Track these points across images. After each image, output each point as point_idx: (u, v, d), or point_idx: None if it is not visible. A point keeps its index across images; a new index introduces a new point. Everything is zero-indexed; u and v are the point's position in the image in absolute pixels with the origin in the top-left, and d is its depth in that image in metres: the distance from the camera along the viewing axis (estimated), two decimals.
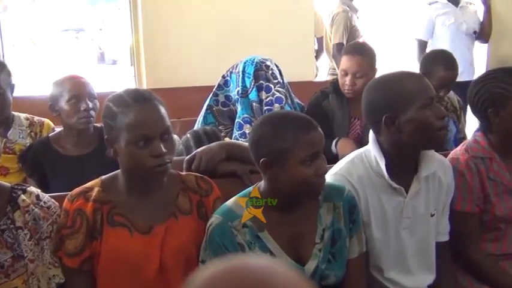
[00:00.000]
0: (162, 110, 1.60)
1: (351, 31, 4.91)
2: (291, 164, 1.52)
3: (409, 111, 1.72)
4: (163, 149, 1.57)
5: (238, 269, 0.59)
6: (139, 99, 1.59)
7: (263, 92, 2.84)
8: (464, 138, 3.14)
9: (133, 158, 1.58)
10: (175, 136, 2.38)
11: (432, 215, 1.91)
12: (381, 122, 1.75)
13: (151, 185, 1.66)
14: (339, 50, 4.76)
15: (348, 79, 2.85)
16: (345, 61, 2.87)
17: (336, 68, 4.61)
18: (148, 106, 1.58)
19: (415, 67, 3.66)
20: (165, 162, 1.58)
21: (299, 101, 3.12)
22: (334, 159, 2.43)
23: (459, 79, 3.11)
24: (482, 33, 4.64)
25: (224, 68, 3.04)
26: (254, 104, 2.85)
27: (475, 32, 4.60)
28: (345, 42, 4.82)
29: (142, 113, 1.56)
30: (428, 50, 4.33)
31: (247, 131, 2.83)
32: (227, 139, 2.53)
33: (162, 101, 1.65)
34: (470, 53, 4.63)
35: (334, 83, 2.97)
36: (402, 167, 1.84)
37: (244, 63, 2.90)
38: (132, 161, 1.59)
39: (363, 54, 2.87)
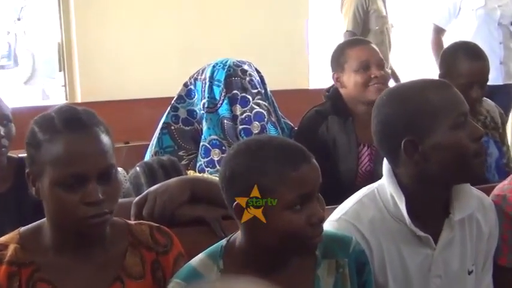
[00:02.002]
0: (105, 140, 1.60)
1: (367, 17, 4.97)
2: (275, 209, 1.52)
3: (436, 132, 1.73)
4: (100, 195, 1.56)
5: None
6: (72, 124, 1.58)
7: (237, 106, 2.86)
8: (509, 164, 3.18)
9: (59, 204, 1.58)
10: (120, 170, 2.38)
11: (470, 272, 1.90)
12: (400, 149, 1.76)
13: (88, 239, 1.65)
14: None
15: (374, 70, 2.91)
16: (359, 52, 2.97)
17: None
18: (85, 135, 1.58)
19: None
20: (101, 212, 1.57)
21: (287, 121, 3.15)
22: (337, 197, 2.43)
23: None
24: None
25: (187, 74, 3.06)
26: (225, 121, 2.86)
27: None
28: (358, 33, 4.88)
29: (74, 144, 1.56)
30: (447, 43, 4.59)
31: (215, 158, 2.85)
32: (191, 172, 2.55)
33: (106, 126, 1.65)
34: (504, 48, 4.71)
35: (333, 98, 3.02)
36: (428, 208, 1.85)
37: (213, 67, 2.91)
38: (57, 208, 1.59)
39: (370, 43, 3.10)
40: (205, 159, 2.88)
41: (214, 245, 1.69)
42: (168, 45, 4.47)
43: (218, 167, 2.86)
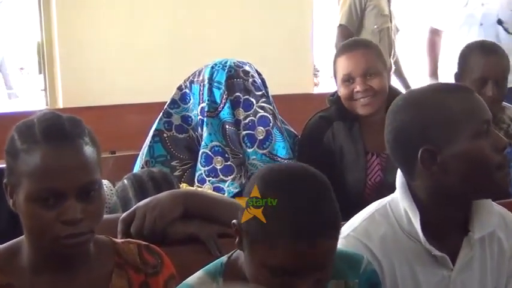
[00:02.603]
0: (88, 153, 1.60)
1: (363, 13, 4.97)
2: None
3: (456, 142, 1.73)
4: (79, 214, 1.56)
5: None
6: (52, 134, 1.57)
7: (240, 110, 2.86)
8: None
9: (34, 221, 1.57)
10: (106, 183, 2.37)
11: None
12: (416, 159, 1.76)
13: (70, 260, 1.64)
14: (342, 35, 4.84)
15: (358, 83, 2.91)
16: (344, 62, 2.96)
17: None
18: (65, 146, 1.57)
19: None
20: (78, 232, 1.57)
21: (289, 128, 3.13)
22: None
23: None
24: None
25: (180, 77, 3.06)
26: (227, 126, 2.87)
27: (500, 22, 4.64)
28: (353, 29, 4.88)
29: (52, 157, 1.55)
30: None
31: (218, 167, 2.84)
32: (184, 185, 2.54)
33: (93, 137, 1.65)
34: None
35: (338, 102, 3.02)
36: (446, 225, 1.84)
37: (212, 68, 2.91)
38: (32, 225, 1.59)
39: (366, 46, 3.02)
40: (207, 168, 2.86)
41: (213, 263, 1.68)
42: (158, 45, 4.48)
43: (221, 176, 2.85)
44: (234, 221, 1.56)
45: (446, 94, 1.78)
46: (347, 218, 1.93)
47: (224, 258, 1.67)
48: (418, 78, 5.72)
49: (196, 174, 2.88)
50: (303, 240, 1.45)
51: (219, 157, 2.85)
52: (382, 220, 1.84)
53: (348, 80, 2.94)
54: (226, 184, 2.83)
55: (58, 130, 1.58)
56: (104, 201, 1.65)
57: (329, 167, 2.84)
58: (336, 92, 3.13)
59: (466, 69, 3.13)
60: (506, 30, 4.63)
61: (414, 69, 6.12)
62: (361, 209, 1.96)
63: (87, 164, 1.58)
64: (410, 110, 1.78)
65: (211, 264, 1.68)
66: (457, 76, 3.25)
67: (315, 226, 1.46)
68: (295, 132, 3.12)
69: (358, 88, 2.91)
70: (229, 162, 2.85)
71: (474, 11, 4.61)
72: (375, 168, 2.96)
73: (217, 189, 2.85)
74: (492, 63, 3.09)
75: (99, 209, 1.62)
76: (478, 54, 3.13)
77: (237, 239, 1.56)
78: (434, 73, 4.85)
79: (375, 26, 4.97)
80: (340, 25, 4.95)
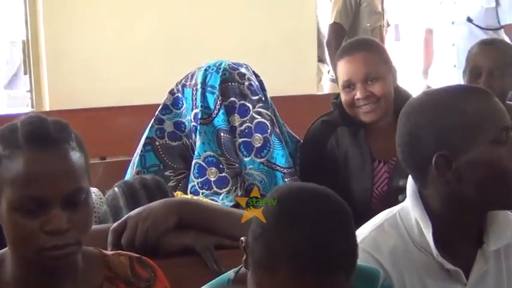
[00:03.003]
0: (74, 158, 1.59)
1: (358, 11, 5.05)
2: None
3: (474, 148, 1.73)
4: (64, 224, 1.55)
5: None
6: (36, 139, 1.56)
7: (236, 116, 2.86)
8: None
9: (16, 231, 1.56)
10: (95, 191, 2.36)
11: None
12: (429, 165, 1.76)
13: (56, 273, 1.62)
14: (335, 33, 4.97)
15: (358, 90, 2.88)
16: (344, 67, 2.94)
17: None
18: (49, 152, 1.56)
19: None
20: (64, 244, 1.55)
21: (290, 131, 3.13)
22: None
23: None
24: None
25: (173, 78, 3.05)
26: (222, 134, 2.86)
27: (470, 20, 4.75)
28: (346, 27, 4.99)
29: (35, 163, 1.54)
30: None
31: (212, 178, 2.83)
32: (179, 194, 2.56)
33: (81, 142, 1.64)
34: (457, 51, 4.77)
35: (342, 105, 2.98)
36: (460, 236, 1.84)
37: (205, 71, 2.90)
38: (14, 235, 1.57)
39: (368, 48, 2.99)
40: (200, 180, 2.85)
41: (218, 278, 1.67)
42: (153, 45, 4.47)
43: (215, 188, 2.83)
44: (242, 238, 1.53)
45: (465, 97, 1.78)
46: None
47: (231, 274, 1.65)
48: (408, 75, 5.94)
49: (189, 186, 2.88)
50: (306, 274, 1.41)
51: (213, 168, 2.84)
52: (392, 231, 1.84)
53: (349, 86, 2.92)
54: (221, 197, 2.81)
55: (42, 134, 1.57)
56: (92, 211, 1.65)
57: (333, 174, 2.87)
58: (339, 93, 3.12)
59: (467, 63, 3.29)
60: (478, 27, 4.77)
61: (405, 66, 6.26)
62: (368, 220, 1.93)
63: (74, 170, 1.57)
64: (425, 112, 1.78)
65: (216, 280, 1.67)
66: (463, 73, 3.39)
67: (321, 262, 1.41)
68: (297, 137, 3.11)
69: (358, 95, 2.89)
70: (223, 174, 2.84)
71: (447, 9, 4.81)
72: (382, 176, 2.95)
73: None
74: (485, 53, 3.21)
75: (87, 219, 1.61)
76: (475, 46, 3.30)
77: (244, 257, 1.52)
78: (426, 71, 5.08)
79: (368, 24, 5.08)
80: (334, 23, 5.04)
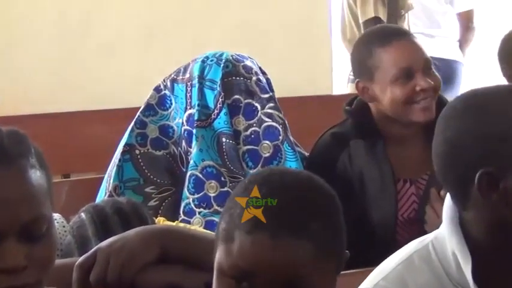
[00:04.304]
0: (34, 179, 1.54)
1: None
2: None
3: None
4: (22, 260, 1.50)
5: None
6: None
7: (241, 117, 2.92)
8: None
9: None
10: (57, 218, 2.36)
11: None
12: (472, 183, 1.73)
13: None
14: None
15: (420, 80, 2.88)
16: (399, 52, 2.93)
17: None
18: (1, 171, 1.51)
19: None
20: (21, 284, 1.50)
21: (298, 147, 3.11)
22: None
23: None
24: None
25: (155, 77, 3.11)
26: (224, 139, 2.91)
27: None
28: (384, 18, 5.21)
29: None
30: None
31: (211, 194, 2.89)
32: (161, 221, 2.51)
33: (41, 157, 1.58)
34: None
35: (357, 114, 3.00)
36: (506, 273, 1.80)
37: (203, 62, 2.96)
38: None
39: (414, 38, 3.04)
40: (196, 196, 2.90)
41: None
42: (127, 36, 4.48)
43: (216, 206, 2.89)
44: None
45: None
46: (374, 263, 1.95)
47: None
48: None
49: (182, 204, 2.91)
50: (260, 232, 1.52)
51: (213, 181, 2.89)
52: (423, 265, 1.84)
53: (406, 75, 2.89)
54: None
55: None
56: (55, 243, 1.59)
57: (346, 199, 2.83)
58: (354, 99, 3.08)
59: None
60: None
61: None
62: (392, 253, 1.95)
63: (33, 194, 1.53)
64: (471, 118, 1.77)
65: None
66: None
67: (280, 218, 1.53)
68: (305, 153, 3.12)
69: (423, 85, 2.86)
70: (226, 188, 2.87)
71: None
72: (409, 200, 2.96)
73: (210, 224, 2.87)
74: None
75: (49, 254, 1.55)
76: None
77: None
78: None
79: (402, 11, 5.42)
80: (375, 17, 5.23)
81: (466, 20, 5.86)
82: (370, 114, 3.02)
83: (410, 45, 2.96)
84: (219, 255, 1.59)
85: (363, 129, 2.96)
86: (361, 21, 5.29)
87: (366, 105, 3.02)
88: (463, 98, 1.82)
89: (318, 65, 4.89)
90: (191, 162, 2.87)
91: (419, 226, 2.81)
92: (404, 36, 3.03)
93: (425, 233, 1.98)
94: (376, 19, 5.22)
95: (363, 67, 3.01)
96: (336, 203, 1.63)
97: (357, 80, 3.03)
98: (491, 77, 6.04)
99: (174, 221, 2.70)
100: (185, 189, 2.87)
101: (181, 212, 2.84)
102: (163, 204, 2.91)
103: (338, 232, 1.60)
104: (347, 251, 1.65)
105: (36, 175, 1.56)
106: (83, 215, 2.26)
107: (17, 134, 1.58)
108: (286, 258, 1.53)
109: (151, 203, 2.88)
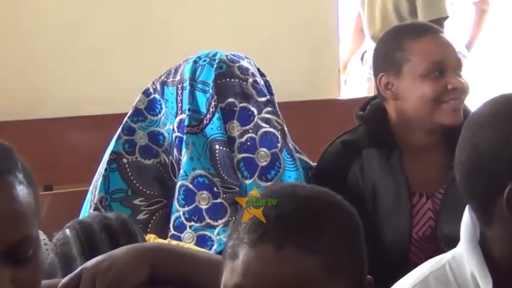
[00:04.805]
0: (22, 195, 1.53)
1: None
2: None
3: None
4: (6, 283, 1.49)
5: None
6: None
7: (235, 123, 2.91)
8: None
9: None
10: (40, 236, 2.34)
11: None
12: (499, 197, 1.74)
13: None
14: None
15: (451, 78, 2.86)
16: (430, 46, 2.92)
17: None
18: None
19: None
20: None
21: (300, 154, 3.09)
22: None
23: None
24: None
25: (143, 81, 3.09)
26: (217, 146, 2.89)
27: None
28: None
29: None
30: None
31: (203, 206, 2.89)
32: (152, 238, 2.51)
33: (30, 173, 1.57)
34: None
35: (371, 120, 2.98)
36: None
37: (195, 63, 2.96)
38: None
39: (441, 32, 3.04)
40: (187, 208, 2.90)
41: None
42: (114, 37, 4.52)
43: (208, 219, 2.89)
44: None
45: None
46: (387, 285, 1.98)
47: None
48: None
49: (172, 218, 2.90)
50: (264, 244, 1.57)
51: (205, 192, 2.89)
52: (439, 287, 1.87)
53: (437, 71, 2.87)
54: (216, 231, 2.87)
55: None
56: (41, 266, 1.59)
57: (360, 217, 2.83)
58: (367, 103, 3.05)
59: None
60: None
61: None
62: (405, 274, 1.98)
63: (22, 213, 1.54)
64: (501, 124, 1.78)
65: None
66: None
67: (287, 229, 1.58)
68: (310, 163, 3.09)
69: (455, 83, 2.84)
70: (219, 200, 2.87)
71: None
72: (424, 216, 2.94)
73: (202, 239, 2.88)
74: None
75: (36, 278, 1.56)
76: None
77: None
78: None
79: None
80: (447, 17, 5.42)
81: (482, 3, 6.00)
82: (386, 120, 2.98)
83: (444, 41, 2.94)
84: (224, 276, 1.62)
85: (377, 137, 2.91)
86: (427, 19, 5.28)
87: (381, 110, 2.98)
88: (493, 103, 1.82)
89: (324, 66, 4.84)
90: (181, 171, 2.84)
91: (435, 244, 2.77)
92: (438, 31, 2.99)
93: (441, 252, 1.97)
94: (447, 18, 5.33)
95: (389, 60, 2.96)
96: (355, 221, 1.66)
97: (381, 74, 2.98)
98: (494, 73, 6.22)
99: (166, 237, 2.68)
100: (175, 202, 2.84)
101: (171, 226, 2.81)
102: (154, 217, 2.89)
103: (354, 250, 1.62)
104: (369, 276, 1.66)
105: (23, 192, 1.55)
106: (67, 231, 2.23)
107: (3, 147, 1.56)
108: (291, 273, 1.55)
109: (141, 216, 2.85)
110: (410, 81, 2.90)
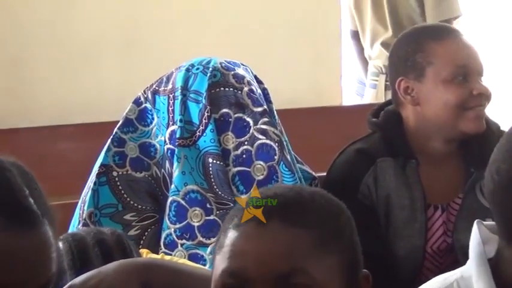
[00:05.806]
0: (51, 238, 1.59)
1: None
2: None
3: None
4: None
5: None
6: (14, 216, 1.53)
7: (230, 134, 2.89)
8: None
9: None
10: None
11: None
12: None
13: None
14: None
15: (476, 83, 2.83)
16: (455, 50, 2.90)
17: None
18: (26, 233, 1.54)
19: None
20: None
21: (301, 164, 3.06)
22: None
23: None
24: None
25: (135, 88, 3.06)
26: (210, 160, 2.87)
27: None
28: None
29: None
30: None
31: (195, 223, 2.87)
32: (145, 252, 2.48)
33: (50, 206, 1.60)
34: None
35: (386, 127, 2.94)
36: None
37: (187, 71, 2.95)
38: None
39: (462, 35, 3.03)
40: (178, 226, 2.88)
41: None
42: (104, 40, 4.50)
43: (200, 237, 2.88)
44: None
45: None
46: None
47: None
48: None
49: (163, 235, 2.89)
50: (247, 223, 1.65)
51: (197, 208, 2.86)
52: None
53: (462, 75, 2.85)
54: (209, 250, 2.84)
55: (23, 210, 1.55)
56: None
57: (369, 228, 2.73)
58: (381, 108, 3.01)
59: None
60: None
61: None
62: None
63: (51, 259, 1.63)
64: None
65: None
66: None
67: (273, 210, 1.65)
68: (313, 173, 3.05)
69: (481, 89, 2.82)
70: (212, 217, 2.85)
71: None
72: (439, 229, 2.92)
73: (194, 257, 2.87)
74: None
75: None
76: None
77: None
78: None
79: None
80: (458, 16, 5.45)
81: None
82: (401, 127, 2.95)
83: (468, 44, 2.92)
84: (213, 273, 1.66)
85: (393, 146, 2.85)
86: (441, 18, 5.36)
87: (396, 116, 2.95)
88: None
89: (325, 71, 4.80)
90: (172, 187, 2.78)
91: (449, 258, 2.71)
92: (460, 34, 2.99)
93: (456, 265, 1.95)
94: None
95: (410, 63, 2.93)
96: (345, 211, 1.73)
97: (401, 78, 2.93)
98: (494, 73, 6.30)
99: (158, 253, 2.62)
100: (166, 218, 2.79)
101: (161, 244, 2.74)
102: (146, 233, 2.87)
103: (344, 234, 1.69)
104: (366, 270, 1.68)
105: (50, 234, 1.64)
106: (60, 243, 2.22)
107: (34, 185, 1.64)
108: (276, 247, 1.61)
109: (132, 232, 2.82)
110: (432, 85, 2.89)
